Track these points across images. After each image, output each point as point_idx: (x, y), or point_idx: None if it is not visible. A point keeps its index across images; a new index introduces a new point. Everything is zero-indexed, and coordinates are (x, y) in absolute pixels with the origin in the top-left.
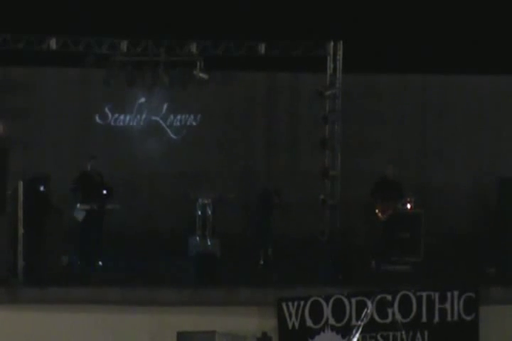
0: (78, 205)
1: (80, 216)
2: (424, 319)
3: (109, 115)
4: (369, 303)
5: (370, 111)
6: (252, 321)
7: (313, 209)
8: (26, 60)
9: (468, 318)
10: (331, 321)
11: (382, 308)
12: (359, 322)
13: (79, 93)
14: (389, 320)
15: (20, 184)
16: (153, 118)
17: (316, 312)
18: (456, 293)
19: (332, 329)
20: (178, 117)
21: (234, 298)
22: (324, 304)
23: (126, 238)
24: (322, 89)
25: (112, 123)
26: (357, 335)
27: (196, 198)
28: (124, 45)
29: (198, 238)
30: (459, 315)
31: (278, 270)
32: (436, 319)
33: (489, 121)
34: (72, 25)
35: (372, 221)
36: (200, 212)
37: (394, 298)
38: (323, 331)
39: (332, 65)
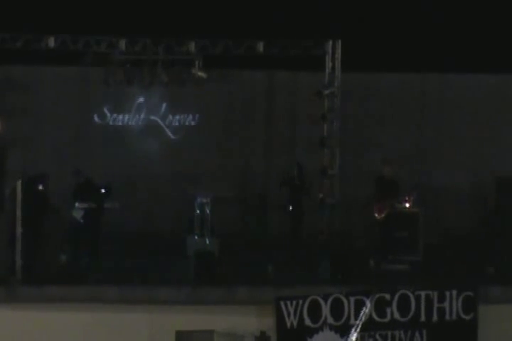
0: (77, 204)
1: (78, 215)
2: (422, 318)
3: (108, 115)
4: (367, 302)
5: (369, 110)
6: (250, 320)
7: (313, 208)
8: (25, 59)
9: (467, 317)
10: (330, 320)
11: (380, 307)
12: (357, 321)
13: (78, 92)
14: (387, 319)
15: (19, 183)
16: (152, 118)
17: (315, 311)
18: (454, 292)
19: (330, 328)
20: (177, 117)
21: (232, 297)
22: (323, 303)
23: (124, 237)
24: (321, 88)
25: (111, 123)
26: (355, 334)
27: (195, 197)
28: (122, 44)
29: (196, 237)
30: (458, 314)
31: (276, 268)
32: (435, 318)
33: (488, 121)
34: (70, 24)
35: (371, 220)
36: (198, 211)
37: (392, 297)
38: (322, 330)
39: (331, 64)
